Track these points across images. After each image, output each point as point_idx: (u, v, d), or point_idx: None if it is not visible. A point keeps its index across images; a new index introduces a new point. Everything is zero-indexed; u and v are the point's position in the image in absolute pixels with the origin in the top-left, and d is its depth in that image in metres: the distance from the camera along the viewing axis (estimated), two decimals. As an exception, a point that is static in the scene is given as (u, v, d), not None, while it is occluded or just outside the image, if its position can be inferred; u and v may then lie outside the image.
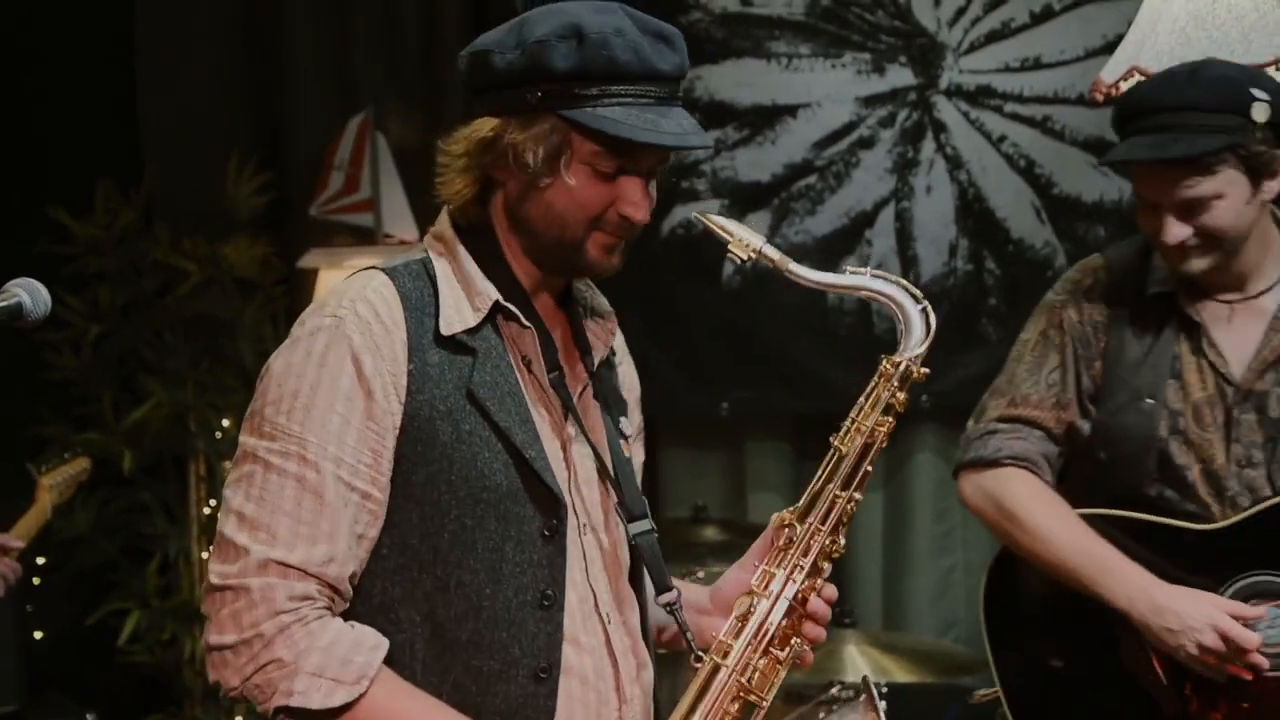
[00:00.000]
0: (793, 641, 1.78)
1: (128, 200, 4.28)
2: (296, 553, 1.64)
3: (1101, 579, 2.34)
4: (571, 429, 1.79)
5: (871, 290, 1.91)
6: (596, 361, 1.84)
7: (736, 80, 4.23)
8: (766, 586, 1.79)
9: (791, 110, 4.24)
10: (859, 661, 3.31)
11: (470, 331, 1.73)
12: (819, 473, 1.84)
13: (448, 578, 1.69)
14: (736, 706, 1.75)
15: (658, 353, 4.16)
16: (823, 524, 1.81)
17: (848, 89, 4.22)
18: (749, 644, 1.76)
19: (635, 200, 1.73)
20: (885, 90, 4.22)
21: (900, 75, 4.22)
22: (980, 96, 4.21)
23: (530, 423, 1.74)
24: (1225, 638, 2.27)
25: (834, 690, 3.21)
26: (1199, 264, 2.34)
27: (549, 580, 1.72)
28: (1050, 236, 4.22)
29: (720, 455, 4.42)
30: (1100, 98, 3.07)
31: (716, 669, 1.76)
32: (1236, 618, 2.28)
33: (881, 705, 3.22)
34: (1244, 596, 2.34)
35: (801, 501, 1.82)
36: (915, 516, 4.33)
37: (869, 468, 1.83)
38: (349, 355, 1.67)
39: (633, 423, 1.92)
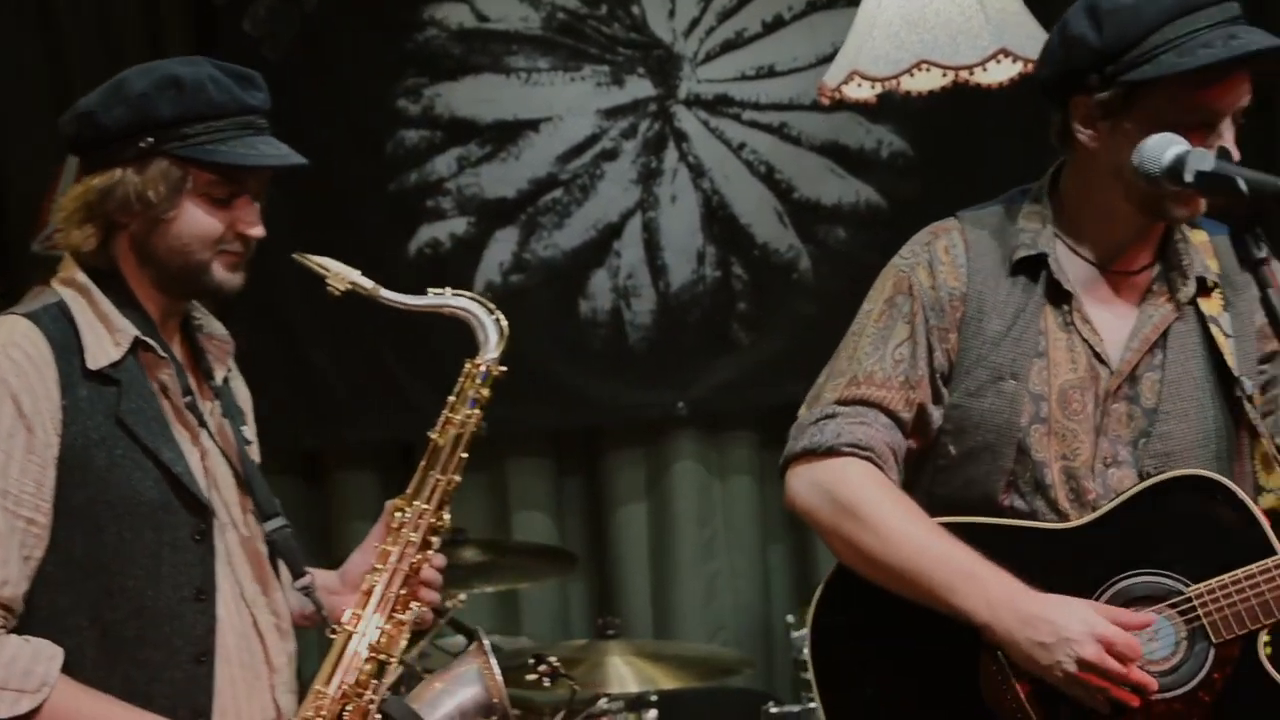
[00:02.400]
0: (412, 606, 2.10)
1: None
2: None
3: (958, 586, 1.96)
4: (207, 443, 2.06)
5: (452, 307, 2.18)
6: (220, 380, 2.13)
7: (477, 96, 4.19)
8: (385, 563, 2.09)
9: (533, 125, 4.22)
10: (624, 672, 3.31)
11: (114, 365, 1.97)
12: (422, 461, 2.14)
13: (112, 584, 1.94)
14: (370, 666, 2.07)
15: (411, 377, 4.08)
16: (428, 504, 2.12)
17: (588, 102, 4.22)
18: (374, 613, 2.07)
19: (251, 220, 2.03)
20: (626, 102, 4.24)
21: (639, 86, 4.24)
22: (718, 105, 4.27)
23: (174, 441, 2.00)
24: (1111, 649, 1.90)
25: (601, 703, 3.19)
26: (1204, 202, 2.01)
27: (202, 577, 1.99)
28: (794, 240, 4.31)
29: (481, 476, 4.35)
30: (826, 101, 3.16)
31: (349, 637, 2.07)
32: (1120, 625, 1.93)
33: (652, 714, 3.24)
34: (1123, 601, 1.99)
35: (410, 487, 2.12)
36: (678, 524, 4.35)
37: (464, 454, 2.13)
38: (8, 396, 1.90)
39: (251, 429, 2.19)
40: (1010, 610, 1.93)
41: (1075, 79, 1.98)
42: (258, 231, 2.04)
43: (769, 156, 4.30)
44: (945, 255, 2.12)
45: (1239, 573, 1.93)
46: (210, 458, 2.06)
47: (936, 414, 2.10)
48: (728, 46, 4.26)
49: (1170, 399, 2.05)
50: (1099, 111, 1.97)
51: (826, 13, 4.23)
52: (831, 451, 2.08)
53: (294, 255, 2.13)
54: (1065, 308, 2.07)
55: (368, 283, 2.12)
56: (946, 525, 2.02)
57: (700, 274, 4.30)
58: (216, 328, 2.18)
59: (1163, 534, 1.99)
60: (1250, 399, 2.05)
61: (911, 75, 2.97)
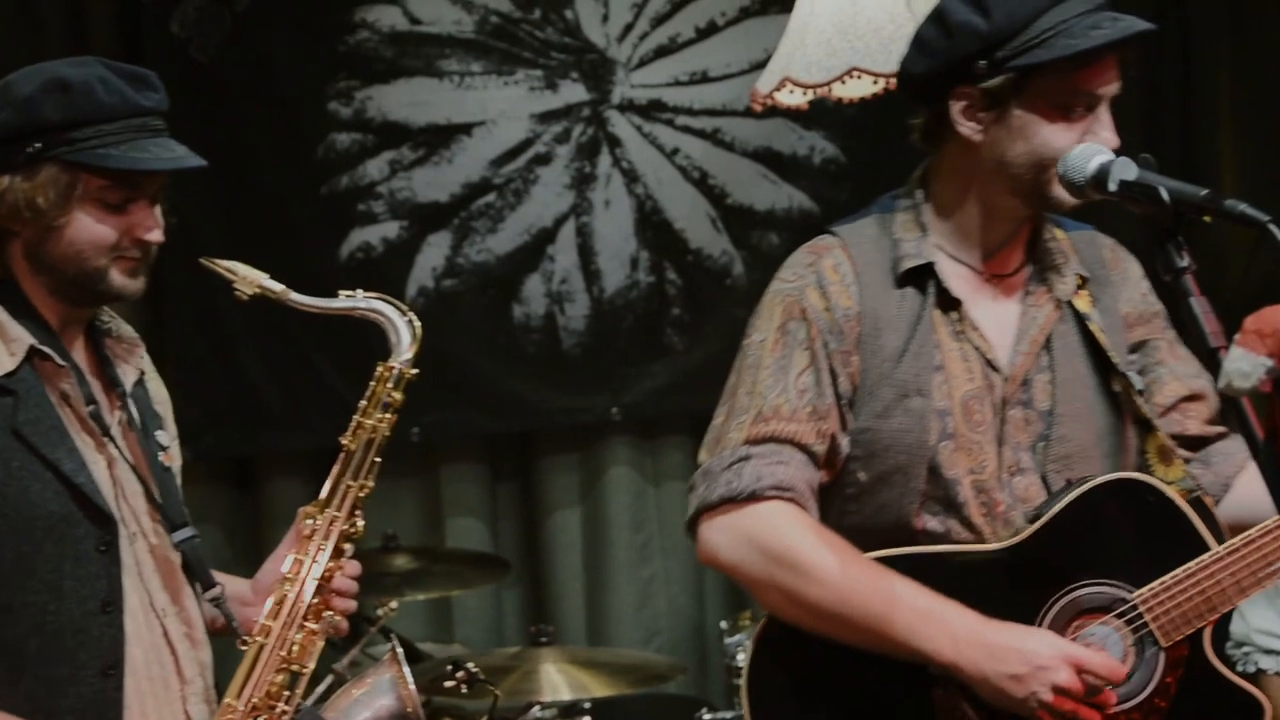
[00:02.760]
0: (325, 615, 2.06)
1: None
2: None
3: (918, 628, 1.85)
4: (113, 451, 2.00)
5: (364, 309, 2.14)
6: (129, 385, 2.06)
7: (409, 100, 4.16)
8: (297, 572, 2.05)
9: (467, 129, 4.20)
10: (557, 679, 3.30)
11: (8, 376, 1.92)
12: (334, 468, 2.08)
13: (10, 600, 1.89)
14: (281, 677, 2.04)
15: (344, 382, 4.04)
16: (339, 511, 2.07)
17: (522, 106, 4.21)
18: (285, 623, 2.04)
19: (147, 224, 1.97)
20: (559, 106, 4.24)
21: (573, 91, 4.24)
22: (652, 110, 4.28)
23: (76, 451, 1.95)
24: (1083, 671, 1.85)
25: (534, 711, 3.18)
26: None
27: (108, 589, 1.95)
28: (727, 245, 4.32)
29: (414, 482, 4.33)
30: (759, 107, 3.17)
31: (260, 649, 2.04)
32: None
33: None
34: (1071, 615, 1.94)
35: (322, 494, 2.07)
36: (612, 529, 4.35)
37: (377, 459, 2.08)
38: None
39: (169, 433, 2.14)
40: (978, 646, 1.84)
41: (960, 68, 1.92)
42: (155, 236, 1.98)
43: (702, 162, 4.31)
44: (833, 274, 2.01)
45: (1179, 572, 1.90)
46: (117, 466, 2.01)
47: (845, 441, 1.99)
48: (661, 52, 4.27)
49: (1064, 400, 2.01)
50: (985, 101, 1.92)
51: (759, 19, 4.25)
52: (754, 497, 1.93)
53: (201, 260, 2.09)
54: (954, 316, 2.00)
55: (276, 286, 2.07)
56: (879, 560, 1.93)
57: (634, 279, 4.30)
58: (125, 331, 2.14)
59: (1098, 543, 1.95)
60: (1141, 392, 2.04)
61: (843, 82, 2.98)
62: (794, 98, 3.12)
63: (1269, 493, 1.37)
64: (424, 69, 4.17)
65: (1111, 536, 1.95)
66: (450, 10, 4.17)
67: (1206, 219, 1.54)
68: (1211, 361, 1.43)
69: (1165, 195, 1.55)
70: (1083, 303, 2.04)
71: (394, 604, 3.38)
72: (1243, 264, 4.21)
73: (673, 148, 4.30)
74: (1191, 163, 4.57)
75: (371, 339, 2.22)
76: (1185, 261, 1.54)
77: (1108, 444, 2.03)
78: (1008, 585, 1.93)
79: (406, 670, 2.16)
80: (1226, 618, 1.94)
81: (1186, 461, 2.05)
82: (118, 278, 1.96)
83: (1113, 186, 1.66)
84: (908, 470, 1.95)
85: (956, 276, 2.01)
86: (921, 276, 2.00)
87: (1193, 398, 2.10)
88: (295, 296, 2.09)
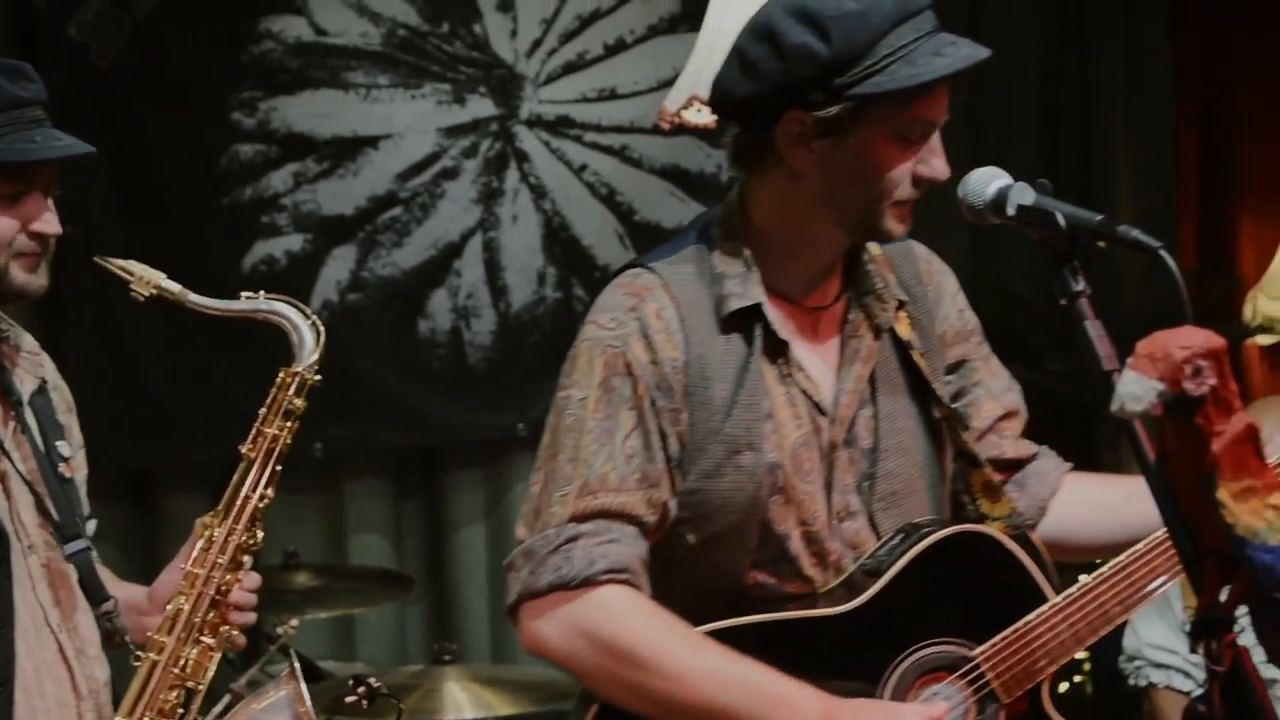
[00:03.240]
0: (222, 630, 2.01)
1: None
2: None
3: (769, 714, 1.73)
4: (4, 464, 1.95)
5: (265, 312, 2.09)
6: (28, 394, 2.00)
7: (314, 111, 4.12)
8: (192, 585, 1.99)
9: (373, 142, 4.17)
10: (461, 698, 3.27)
11: None
12: (234, 477, 2.03)
13: None
14: (175, 694, 1.99)
15: (246, 393, 3.97)
16: (238, 523, 2.01)
17: (429, 120, 4.18)
18: (180, 639, 1.98)
19: (43, 216, 1.90)
20: (467, 121, 4.22)
21: (481, 106, 4.22)
22: (560, 126, 4.27)
23: None
24: None
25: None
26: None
27: None
28: (634, 262, 4.33)
29: (317, 498, 4.28)
30: (666, 125, 3.19)
31: (154, 665, 1.98)
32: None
33: None
34: (916, 675, 1.86)
35: (221, 505, 2.02)
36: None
37: (278, 468, 2.02)
38: None
39: (73, 442, 2.08)
40: None
41: (793, 93, 1.75)
42: (52, 228, 1.93)
43: (610, 179, 4.31)
44: (657, 320, 1.80)
45: (1019, 626, 1.85)
46: (10, 480, 1.96)
47: (674, 505, 1.81)
48: (569, 68, 4.27)
49: (887, 435, 1.89)
50: (818, 129, 1.75)
51: (668, 38, 4.27)
52: (587, 584, 1.74)
53: (96, 259, 2.03)
54: (780, 359, 1.84)
55: (174, 286, 2.02)
56: (716, 633, 1.78)
57: (541, 295, 4.29)
58: (25, 340, 2.08)
59: (939, 600, 1.87)
60: (967, 427, 1.95)
61: (750, 102, 3.01)
62: (701, 116, 3.14)
63: (1160, 514, 1.39)
64: (330, 80, 4.13)
65: (952, 593, 1.88)
66: (357, 22, 4.14)
67: (1101, 244, 1.55)
68: (1106, 385, 1.45)
69: (1061, 220, 1.56)
70: (903, 328, 1.91)
71: (295, 622, 3.33)
72: (1136, 289, 4.31)
73: (581, 164, 4.30)
74: (1088, 189, 4.68)
75: (275, 349, 2.18)
76: (1080, 286, 1.54)
77: (930, 475, 1.93)
78: (853, 648, 1.83)
79: (304, 688, 2.12)
80: (1118, 631, 1.97)
81: (1003, 484, 1.97)
82: (19, 275, 1.91)
83: (1011, 211, 1.65)
84: (740, 530, 1.81)
85: (780, 315, 1.85)
86: (747, 317, 1.82)
87: (1007, 415, 2.01)
88: (194, 298, 2.04)
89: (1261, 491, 1.32)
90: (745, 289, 1.82)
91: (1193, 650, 1.40)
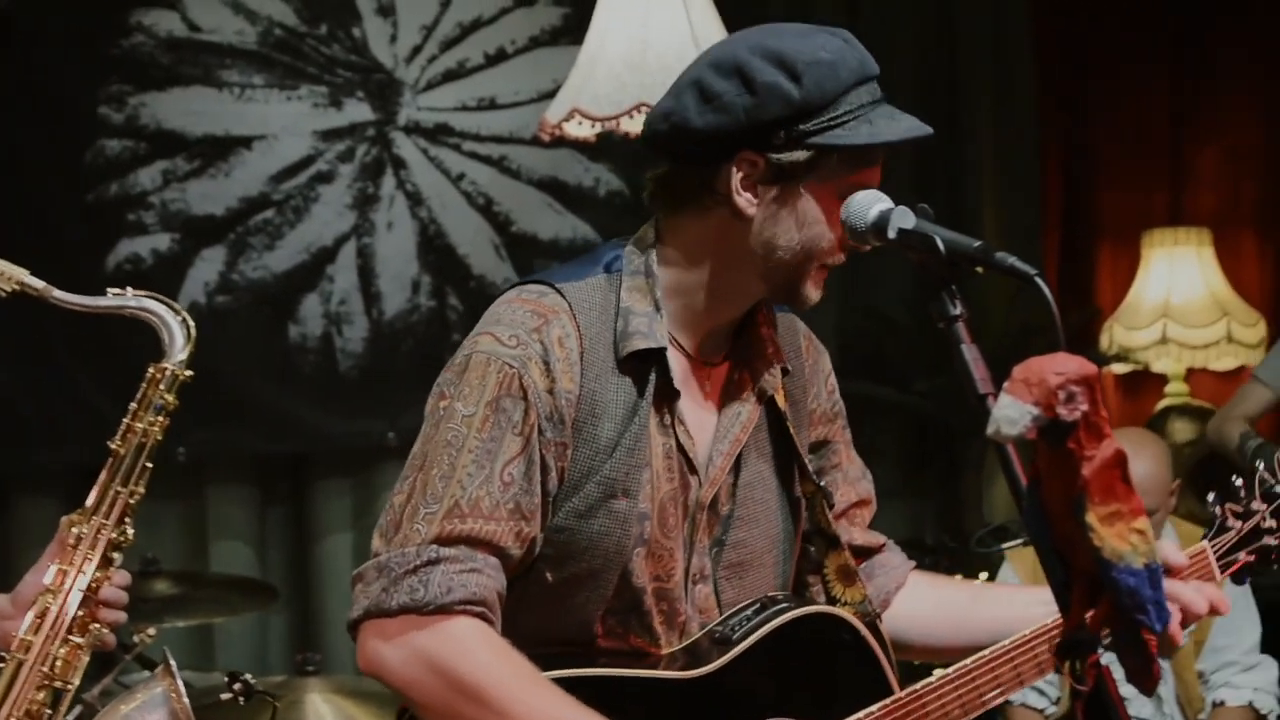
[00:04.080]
0: (92, 628, 1.97)
1: None
2: None
3: None
4: None
5: (134, 308, 2.04)
6: None
7: (186, 109, 4.05)
8: (60, 583, 1.94)
9: (246, 142, 4.10)
10: (323, 709, 3.22)
11: None
12: (102, 474, 1.98)
13: None
14: (43, 694, 1.94)
15: (104, 397, 3.88)
16: (107, 519, 1.97)
17: (305, 122, 4.13)
18: (48, 638, 1.94)
19: None
20: (344, 125, 4.17)
21: (358, 110, 4.18)
22: (439, 134, 4.25)
23: None
24: None
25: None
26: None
27: None
28: (510, 273, 4.32)
29: (178, 503, 4.18)
30: (547, 137, 3.18)
31: (19, 665, 1.94)
32: None
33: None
34: None
35: (90, 500, 1.97)
36: (385, 555, 4.28)
37: (148, 464, 1.98)
38: None
39: None
40: None
41: (756, 132, 1.70)
42: None
43: (488, 188, 4.29)
44: (560, 348, 1.71)
45: (862, 716, 1.80)
46: None
47: (540, 541, 1.73)
48: (449, 76, 4.25)
49: (744, 503, 1.83)
50: (770, 173, 1.71)
51: (549, 49, 4.27)
52: (441, 611, 1.64)
53: None
54: (666, 409, 1.76)
55: (37, 283, 1.96)
56: (562, 681, 1.71)
57: (415, 303, 4.25)
58: None
59: (790, 679, 1.82)
60: (832, 506, 1.91)
61: (631, 117, 3.02)
62: (582, 129, 3.14)
63: (1031, 540, 1.42)
64: (203, 78, 4.05)
65: (802, 673, 1.83)
66: (232, 20, 4.07)
67: (979, 270, 1.57)
68: (981, 408, 1.47)
69: (941, 245, 1.58)
70: (780, 399, 1.86)
71: (152, 630, 3.26)
72: (1003, 314, 4.42)
73: (458, 173, 4.27)
74: (957, 213, 4.80)
75: (133, 354, 2.12)
76: (958, 309, 1.55)
77: (779, 550, 1.88)
78: (697, 716, 1.77)
79: (180, 683, 2.07)
80: None
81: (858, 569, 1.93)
82: None
83: (892, 234, 1.65)
84: (600, 575, 1.73)
85: (677, 364, 1.77)
86: (644, 360, 1.74)
87: (861, 503, 1.99)
88: (59, 294, 1.97)
89: (1127, 516, 1.36)
90: (651, 330, 1.74)
91: (1058, 670, 1.43)
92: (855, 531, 1.98)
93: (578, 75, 3.12)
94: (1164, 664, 3.30)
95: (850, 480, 1.99)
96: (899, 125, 1.73)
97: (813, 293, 1.76)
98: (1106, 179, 5.32)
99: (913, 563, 2.05)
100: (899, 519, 4.53)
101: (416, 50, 4.22)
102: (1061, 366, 1.32)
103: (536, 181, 4.33)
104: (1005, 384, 1.33)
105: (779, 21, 1.81)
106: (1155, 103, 5.30)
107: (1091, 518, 1.34)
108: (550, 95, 3.35)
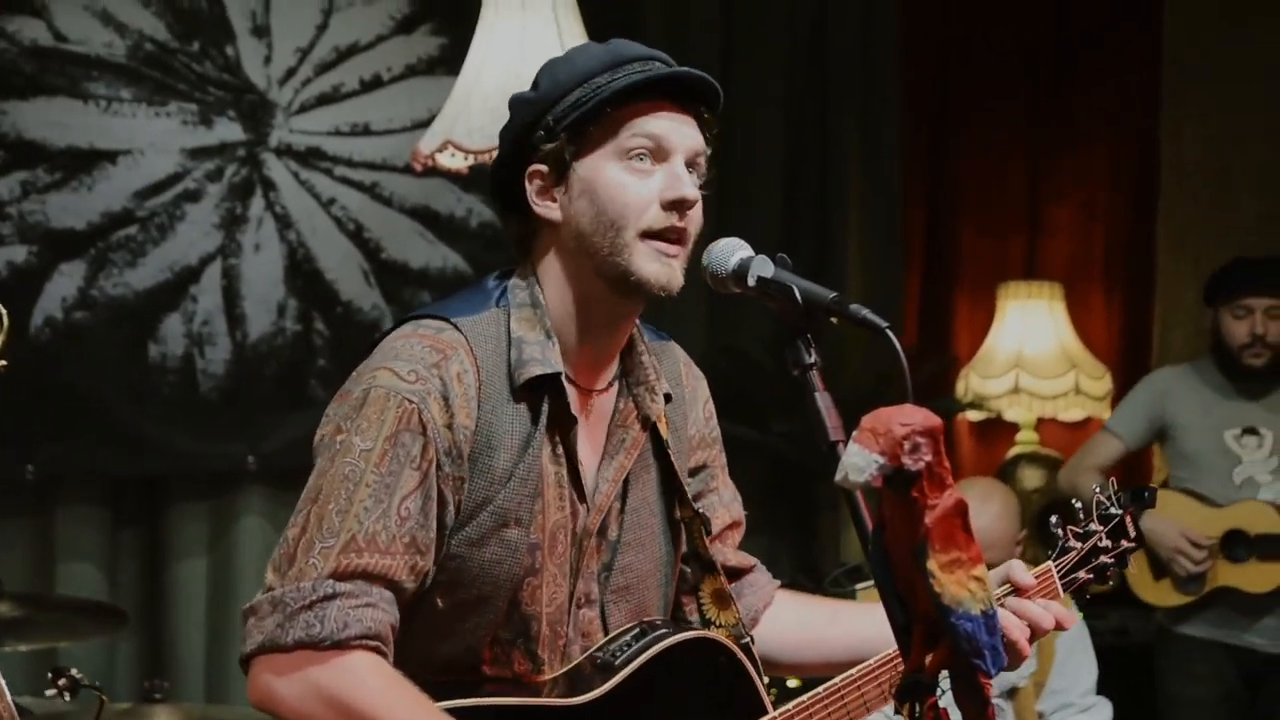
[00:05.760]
0: None
1: None
2: None
3: None
4: None
5: None
6: None
7: (49, 119, 3.95)
8: None
9: (111, 156, 4.02)
10: (170, 739, 3.15)
11: None
12: None
13: None
14: None
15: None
16: None
17: (173, 139, 4.07)
18: None
19: None
20: (213, 143, 4.11)
21: (229, 129, 4.13)
22: (310, 158, 4.21)
23: None
24: None
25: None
26: (682, 271, 1.81)
27: None
28: (379, 300, 4.29)
29: (25, 522, 4.07)
30: (419, 167, 3.19)
31: None
32: None
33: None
34: None
35: None
36: (241, 581, 4.20)
37: None
38: None
39: None
40: None
41: (523, 144, 1.80)
42: None
43: (359, 214, 4.27)
44: (458, 384, 1.73)
45: None
46: None
47: (433, 571, 1.75)
48: (324, 100, 4.22)
49: (630, 528, 1.87)
50: (553, 175, 1.78)
51: (425, 79, 4.27)
52: (337, 647, 1.65)
53: None
54: (559, 438, 1.80)
55: None
56: (453, 711, 1.71)
57: (280, 326, 4.20)
58: None
59: (672, 704, 1.86)
60: (709, 532, 1.95)
61: (505, 150, 3.03)
62: (455, 161, 3.15)
63: (875, 583, 1.47)
64: (68, 89, 3.97)
65: (682, 697, 1.87)
66: (101, 31, 4.00)
67: (834, 320, 1.62)
68: (831, 454, 1.51)
69: (798, 294, 1.63)
70: (662, 427, 1.91)
71: (-7, 654, 3.16)
72: (859, 362, 4.51)
73: (329, 197, 4.24)
74: (824, 252, 4.90)
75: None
76: (812, 358, 1.60)
77: (662, 574, 1.92)
78: None
79: (2, 682, 2.00)
80: None
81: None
82: None
83: (751, 282, 1.69)
84: (489, 602, 1.77)
85: (575, 390, 1.82)
86: (540, 389, 1.78)
87: (734, 525, 2.05)
88: None
89: (967, 564, 1.41)
90: (545, 356, 1.78)
91: (897, 712, 1.47)
92: (729, 552, 2.04)
93: (452, 106, 3.13)
94: (1005, 706, 3.40)
95: (725, 503, 2.04)
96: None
97: (648, 265, 1.77)
98: (967, 229, 5.49)
99: (778, 582, 2.11)
100: (757, 555, 4.58)
101: (291, 72, 4.19)
102: (908, 418, 1.37)
103: (408, 210, 4.32)
104: (854, 433, 1.37)
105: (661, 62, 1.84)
106: (1014, 154, 5.48)
107: (932, 564, 1.39)
108: (425, 124, 3.35)
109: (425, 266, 4.33)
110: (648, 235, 1.77)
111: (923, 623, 1.44)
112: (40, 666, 4.01)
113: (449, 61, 4.09)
